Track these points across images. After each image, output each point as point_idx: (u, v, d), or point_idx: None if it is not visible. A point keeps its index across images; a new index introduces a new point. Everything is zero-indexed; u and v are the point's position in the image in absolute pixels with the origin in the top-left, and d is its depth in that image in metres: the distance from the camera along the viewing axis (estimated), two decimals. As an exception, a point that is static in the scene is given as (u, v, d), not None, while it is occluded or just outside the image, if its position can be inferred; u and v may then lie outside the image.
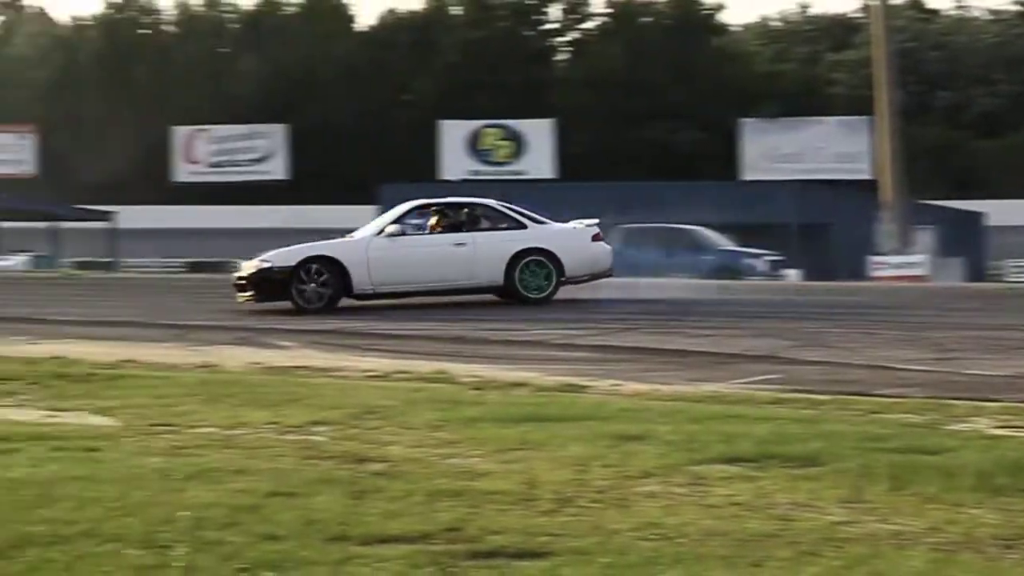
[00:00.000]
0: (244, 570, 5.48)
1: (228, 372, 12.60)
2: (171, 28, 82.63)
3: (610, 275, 22.66)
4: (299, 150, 66.86)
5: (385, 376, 12.22)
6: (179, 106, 69.83)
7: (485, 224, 22.56)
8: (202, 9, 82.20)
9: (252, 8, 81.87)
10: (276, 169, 67.55)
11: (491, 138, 61.55)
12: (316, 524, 6.15)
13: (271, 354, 14.51)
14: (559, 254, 21.92)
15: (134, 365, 13.06)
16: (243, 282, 21.12)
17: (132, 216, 58.32)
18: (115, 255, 56.85)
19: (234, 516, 6.28)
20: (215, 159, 68.80)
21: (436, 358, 13.67)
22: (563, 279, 21.85)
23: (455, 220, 22.59)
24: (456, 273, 21.84)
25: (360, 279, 21.24)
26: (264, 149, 68.41)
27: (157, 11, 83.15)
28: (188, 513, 6.26)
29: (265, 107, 68.44)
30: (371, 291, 21.39)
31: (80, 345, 15.19)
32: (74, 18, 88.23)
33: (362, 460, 7.80)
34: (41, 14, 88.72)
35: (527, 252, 21.89)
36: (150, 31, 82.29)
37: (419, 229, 22.44)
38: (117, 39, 78.64)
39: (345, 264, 21.28)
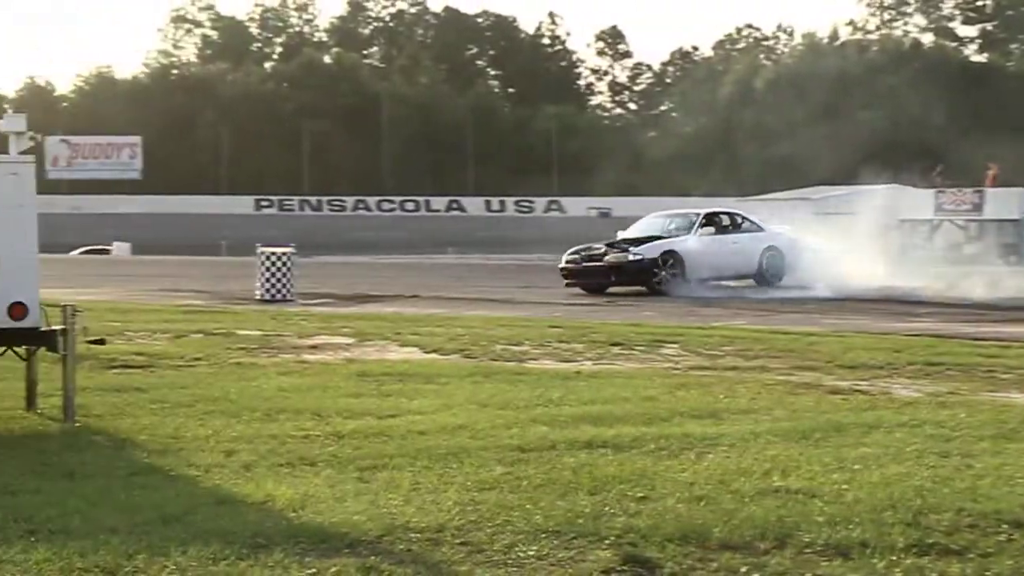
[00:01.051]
0: None
1: None
2: None
3: None
4: None
5: None
6: None
7: (742, 228, 29.65)
8: None
9: None
10: None
11: None
12: None
13: None
14: (784, 251, 29.22)
15: None
16: (614, 270, 27.59)
17: None
18: None
19: None
20: None
21: None
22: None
23: (722, 224, 29.62)
24: (734, 264, 28.92)
25: (690, 269, 27.74)
26: None
27: None
28: None
29: None
30: (691, 278, 27.57)
31: None
32: None
33: None
34: None
35: (768, 249, 29.17)
36: None
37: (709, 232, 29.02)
38: None
39: (683, 256, 27.91)
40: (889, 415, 10.09)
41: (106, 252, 56.52)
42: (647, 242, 28.43)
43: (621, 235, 29.86)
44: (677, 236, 28.75)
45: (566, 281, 28.70)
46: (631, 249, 28.11)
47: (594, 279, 28.12)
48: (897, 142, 72.60)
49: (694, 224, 29.09)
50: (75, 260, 43.49)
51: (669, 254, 27.91)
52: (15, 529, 6.62)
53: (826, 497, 7.23)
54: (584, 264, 28.44)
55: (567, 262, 28.82)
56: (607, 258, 28.14)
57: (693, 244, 28.38)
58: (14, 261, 10.06)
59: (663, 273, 27.65)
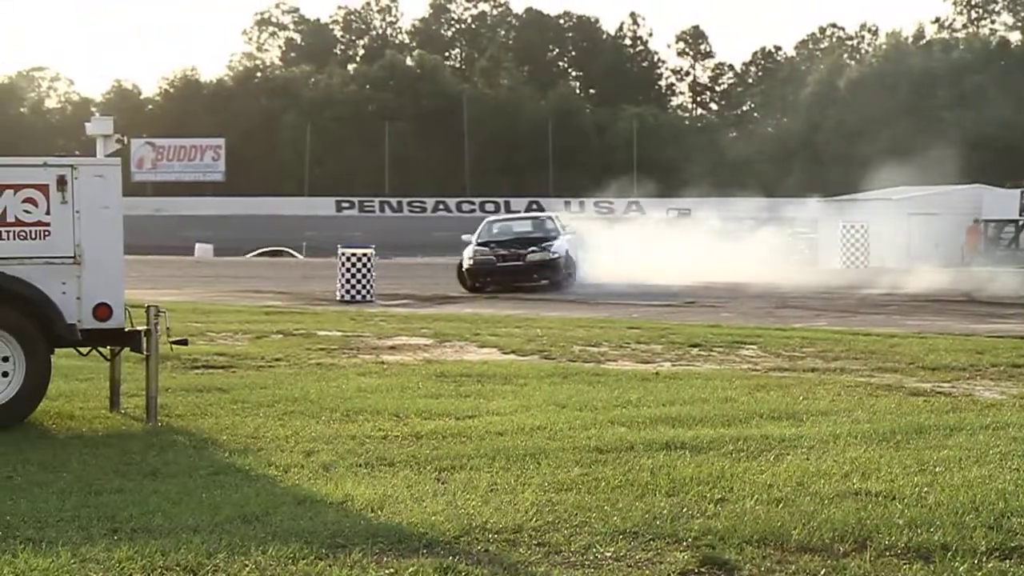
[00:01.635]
0: None
1: None
2: None
3: None
4: None
5: None
6: None
7: (566, 230, 31.60)
8: None
9: None
10: None
11: None
12: None
13: None
14: (579, 249, 31.67)
15: None
16: (537, 267, 29.42)
17: None
18: None
19: None
20: None
21: None
22: None
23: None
24: (580, 261, 30.99)
25: (577, 265, 30.52)
26: None
27: None
28: None
29: None
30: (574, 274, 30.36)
31: None
32: None
33: None
34: None
35: (579, 248, 31.39)
36: None
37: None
38: None
39: (572, 255, 30.46)
40: (972, 417, 9.98)
41: (291, 255, 57.23)
42: (528, 244, 30.31)
43: (472, 238, 30.97)
44: (557, 237, 30.81)
45: (474, 280, 29.68)
46: (550, 248, 29.97)
47: (516, 277, 29.69)
48: (983, 142, 71.68)
49: (555, 227, 31.57)
50: (158, 262, 43.97)
51: (569, 253, 30.34)
52: (99, 528, 6.73)
53: (907, 500, 7.18)
54: (502, 264, 29.78)
55: (478, 263, 29.93)
56: (530, 257, 29.87)
57: (572, 244, 30.86)
58: (99, 263, 10.21)
59: (566, 271, 30.02)
